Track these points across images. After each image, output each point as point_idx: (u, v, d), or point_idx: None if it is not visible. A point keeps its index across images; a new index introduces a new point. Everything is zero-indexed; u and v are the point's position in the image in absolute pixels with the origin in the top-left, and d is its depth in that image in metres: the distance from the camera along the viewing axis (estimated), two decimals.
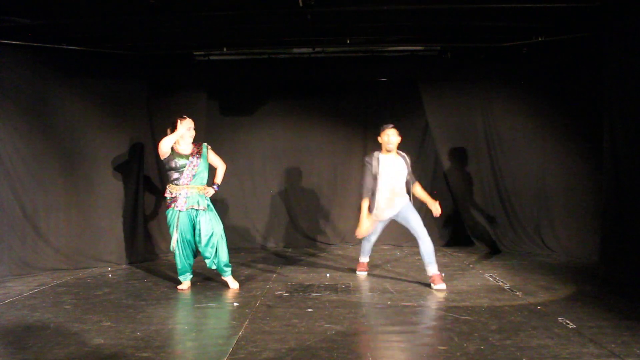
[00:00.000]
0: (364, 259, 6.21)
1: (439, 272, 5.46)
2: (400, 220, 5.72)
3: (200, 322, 4.49)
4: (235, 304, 4.91)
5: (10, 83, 6.18)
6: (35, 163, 6.36)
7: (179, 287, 5.53)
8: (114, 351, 3.68)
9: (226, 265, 5.49)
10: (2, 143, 6.13)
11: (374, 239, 6.06)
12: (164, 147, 5.33)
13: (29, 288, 5.56)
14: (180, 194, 5.38)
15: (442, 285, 5.36)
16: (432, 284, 5.40)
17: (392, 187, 5.63)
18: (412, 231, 5.59)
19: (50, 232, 6.46)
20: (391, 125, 5.73)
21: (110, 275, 6.27)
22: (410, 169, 5.79)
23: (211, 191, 5.55)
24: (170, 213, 5.43)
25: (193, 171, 5.43)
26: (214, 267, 5.50)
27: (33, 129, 6.35)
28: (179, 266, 5.50)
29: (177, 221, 5.37)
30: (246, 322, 4.32)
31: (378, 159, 5.70)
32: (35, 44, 6.30)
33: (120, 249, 6.83)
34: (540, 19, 6.05)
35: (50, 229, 6.47)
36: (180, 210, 5.37)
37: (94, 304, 4.96)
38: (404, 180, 5.70)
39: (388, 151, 5.70)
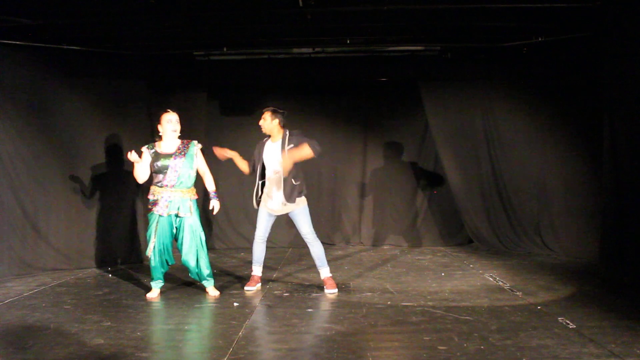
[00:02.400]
0: (257, 269, 5.51)
1: (330, 275, 5.41)
2: (293, 219, 5.42)
3: (200, 322, 4.49)
4: (235, 304, 4.91)
5: (10, 83, 6.18)
6: (35, 163, 6.36)
7: (148, 295, 5.19)
8: (114, 351, 3.68)
9: (209, 276, 5.24)
10: (2, 143, 6.12)
11: (264, 235, 5.45)
12: (137, 178, 5.08)
13: (29, 288, 5.55)
14: (162, 197, 5.01)
15: (334, 290, 5.28)
16: (325, 288, 5.34)
17: (269, 175, 5.30)
18: (301, 235, 5.41)
19: (50, 232, 6.46)
20: (266, 109, 5.34)
21: (110, 275, 6.27)
22: (291, 146, 5.17)
23: (217, 205, 5.23)
24: (150, 217, 5.08)
25: (177, 173, 5.02)
26: (196, 278, 5.28)
27: (33, 129, 6.35)
28: (152, 273, 5.18)
29: (156, 226, 5.03)
30: (246, 322, 4.32)
31: (264, 144, 5.39)
32: (35, 44, 6.30)
33: (120, 249, 6.84)
34: (540, 19, 6.05)
35: (50, 229, 6.47)
36: (160, 215, 5.03)
37: (94, 304, 4.96)
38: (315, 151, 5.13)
39: (269, 136, 5.38)
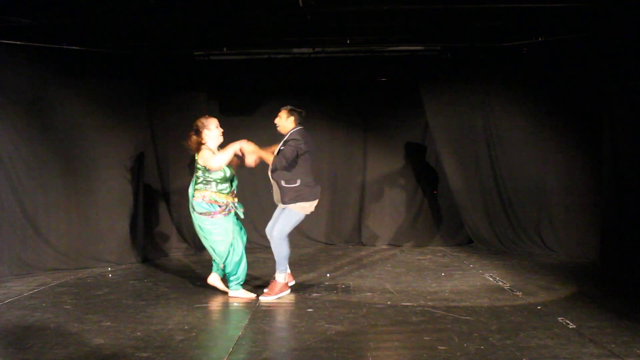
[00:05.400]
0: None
1: (276, 280, 5.21)
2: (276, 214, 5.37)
3: (200, 322, 4.49)
4: (235, 304, 4.91)
5: (10, 83, 6.18)
6: (35, 163, 6.36)
7: (244, 298, 5.16)
8: (114, 351, 3.68)
9: (228, 273, 5.22)
10: (2, 143, 6.12)
11: (270, 225, 5.39)
12: (217, 163, 5.02)
13: (29, 288, 5.56)
14: (230, 202, 5.16)
15: (269, 297, 5.08)
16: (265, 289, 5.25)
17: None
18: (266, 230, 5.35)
19: (50, 232, 6.46)
20: (284, 107, 5.33)
21: (110, 275, 6.27)
22: (283, 150, 5.13)
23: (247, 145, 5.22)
24: (219, 222, 5.07)
25: (235, 180, 5.30)
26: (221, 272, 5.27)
27: (33, 129, 6.35)
28: (240, 271, 5.14)
29: (232, 227, 5.13)
30: (246, 322, 4.33)
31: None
32: (35, 44, 6.29)
33: (120, 249, 6.83)
34: (540, 19, 6.05)
35: (50, 229, 6.46)
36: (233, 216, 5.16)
37: (94, 304, 4.96)
38: (275, 164, 5.13)
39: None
